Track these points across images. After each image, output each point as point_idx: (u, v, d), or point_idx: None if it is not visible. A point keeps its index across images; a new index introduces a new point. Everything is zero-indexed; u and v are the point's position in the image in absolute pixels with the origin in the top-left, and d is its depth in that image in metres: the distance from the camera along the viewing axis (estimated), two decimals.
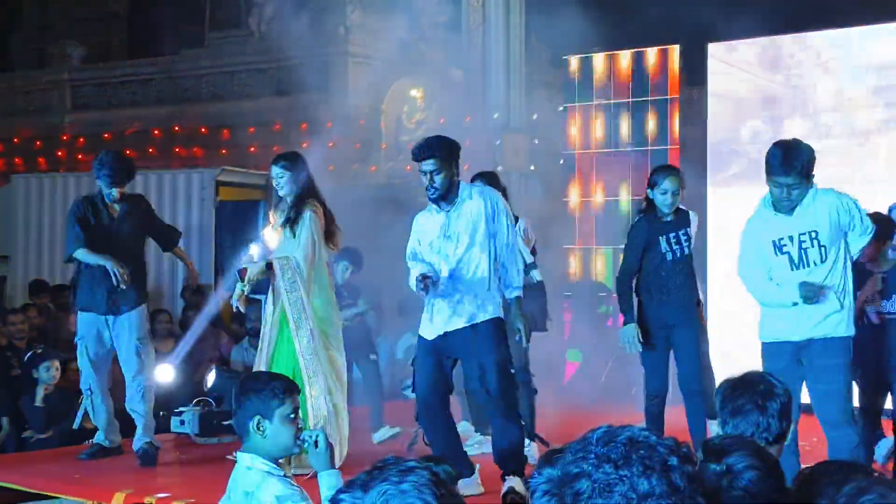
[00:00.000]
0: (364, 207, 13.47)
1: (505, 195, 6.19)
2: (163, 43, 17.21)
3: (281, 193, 6.20)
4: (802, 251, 5.12)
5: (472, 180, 6.55)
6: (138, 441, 6.52)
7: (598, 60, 10.40)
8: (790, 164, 4.99)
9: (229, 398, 7.84)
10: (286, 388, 3.60)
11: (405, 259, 5.67)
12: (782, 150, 5.05)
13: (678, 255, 6.13)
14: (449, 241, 5.45)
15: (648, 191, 6.19)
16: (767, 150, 5.14)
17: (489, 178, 6.65)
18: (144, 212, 6.84)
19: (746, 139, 9.28)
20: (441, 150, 5.50)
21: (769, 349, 5.29)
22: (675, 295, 6.14)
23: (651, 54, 10.08)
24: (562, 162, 11.32)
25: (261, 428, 3.52)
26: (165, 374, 7.37)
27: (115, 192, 6.46)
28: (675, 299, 6.14)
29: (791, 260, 5.14)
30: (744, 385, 3.15)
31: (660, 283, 6.16)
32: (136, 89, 17.03)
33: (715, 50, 9.49)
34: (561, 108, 11.28)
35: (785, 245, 5.13)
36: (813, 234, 5.09)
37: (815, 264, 5.11)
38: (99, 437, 6.65)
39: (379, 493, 1.77)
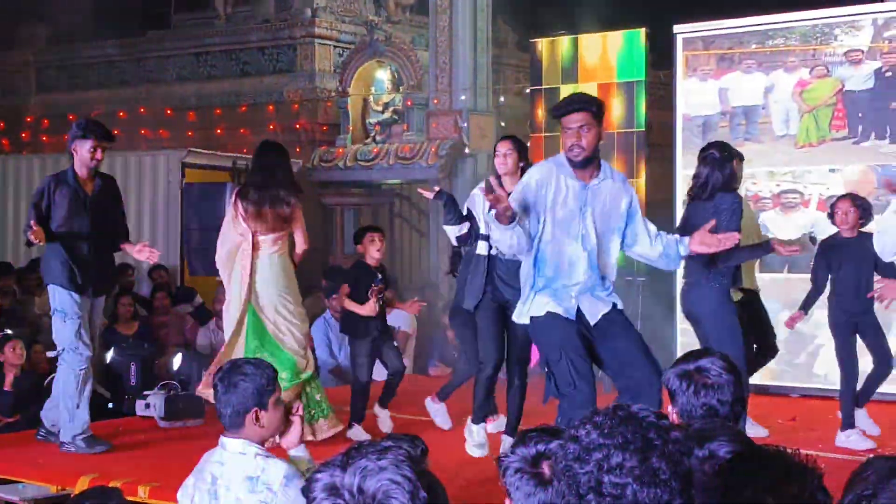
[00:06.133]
0: (330, 189, 13.48)
1: None
2: (129, 24, 17.06)
3: None
4: None
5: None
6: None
7: (565, 43, 10.42)
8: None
9: (194, 381, 7.86)
10: (274, 374, 3.65)
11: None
12: None
13: None
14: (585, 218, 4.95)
15: None
16: None
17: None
18: (114, 195, 6.67)
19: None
20: (596, 107, 4.90)
21: None
22: None
23: (617, 37, 10.11)
24: (528, 144, 11.33)
25: (259, 419, 3.55)
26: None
27: (99, 152, 6.26)
28: None
29: None
30: (695, 379, 3.03)
31: None
32: (101, 71, 16.89)
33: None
34: (528, 91, 11.30)
35: None
36: None
37: None
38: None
39: (358, 469, 1.80)
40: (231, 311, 6.49)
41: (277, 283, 6.48)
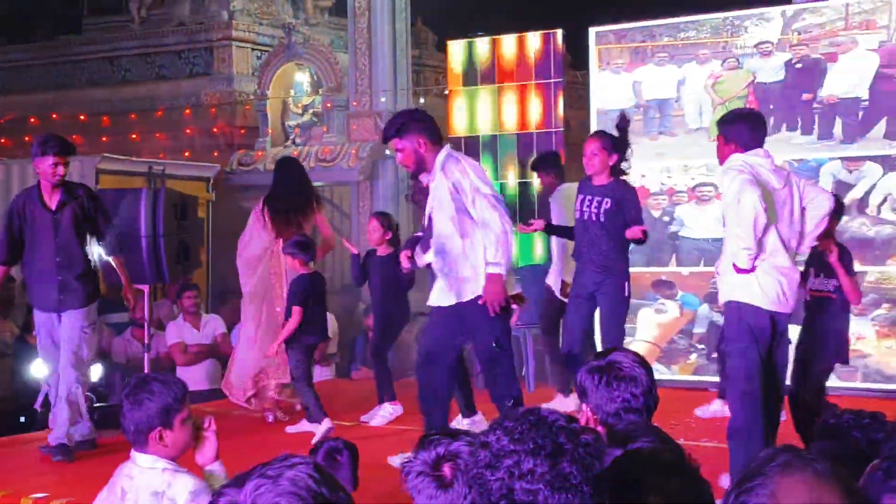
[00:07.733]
0: (250, 193, 13.32)
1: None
2: (39, 29, 16.73)
3: None
4: None
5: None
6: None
7: (483, 45, 10.44)
8: None
9: (114, 392, 7.71)
10: (183, 392, 3.53)
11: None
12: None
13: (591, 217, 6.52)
14: None
15: None
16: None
17: None
18: (81, 203, 6.46)
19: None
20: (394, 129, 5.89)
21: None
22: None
23: (534, 38, 10.16)
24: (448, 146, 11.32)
25: (163, 438, 3.44)
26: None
27: (60, 168, 6.23)
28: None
29: None
30: (607, 372, 3.04)
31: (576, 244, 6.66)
32: (11, 76, 16.53)
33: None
34: (446, 92, 11.31)
35: None
36: None
37: None
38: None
39: (253, 487, 1.77)
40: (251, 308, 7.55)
41: None
